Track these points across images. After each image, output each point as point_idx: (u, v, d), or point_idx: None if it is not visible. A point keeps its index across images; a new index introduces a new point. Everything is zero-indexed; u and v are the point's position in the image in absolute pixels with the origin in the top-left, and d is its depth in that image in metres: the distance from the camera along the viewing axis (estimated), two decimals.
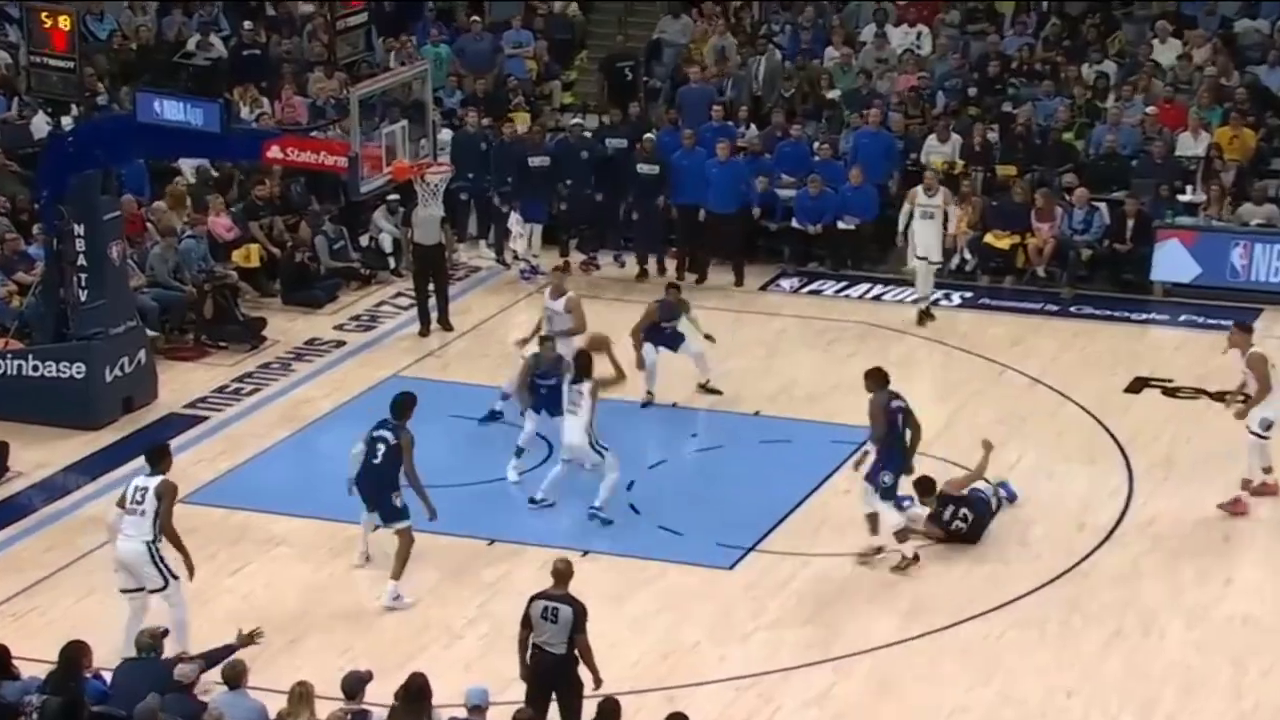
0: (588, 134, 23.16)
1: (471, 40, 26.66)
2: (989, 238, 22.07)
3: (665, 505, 15.90)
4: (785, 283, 22.25)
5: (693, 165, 22.09)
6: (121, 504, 13.21)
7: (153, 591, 13.10)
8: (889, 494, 14.75)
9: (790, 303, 21.62)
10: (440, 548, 15.12)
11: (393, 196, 21.31)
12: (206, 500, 15.97)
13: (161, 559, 13.05)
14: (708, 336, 18.37)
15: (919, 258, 20.50)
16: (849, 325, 20.70)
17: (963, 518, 15.31)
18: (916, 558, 14.84)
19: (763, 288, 22.11)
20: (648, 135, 22.60)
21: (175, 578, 13.09)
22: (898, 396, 14.81)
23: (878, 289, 21.90)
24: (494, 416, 17.55)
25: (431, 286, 20.37)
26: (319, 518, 15.59)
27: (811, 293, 21.95)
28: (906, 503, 15.58)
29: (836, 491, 16.19)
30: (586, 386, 15.47)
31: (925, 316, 20.56)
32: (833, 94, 24.81)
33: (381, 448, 14.51)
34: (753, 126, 24.17)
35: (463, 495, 16.15)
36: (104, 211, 17.57)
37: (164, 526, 13.02)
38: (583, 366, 15.64)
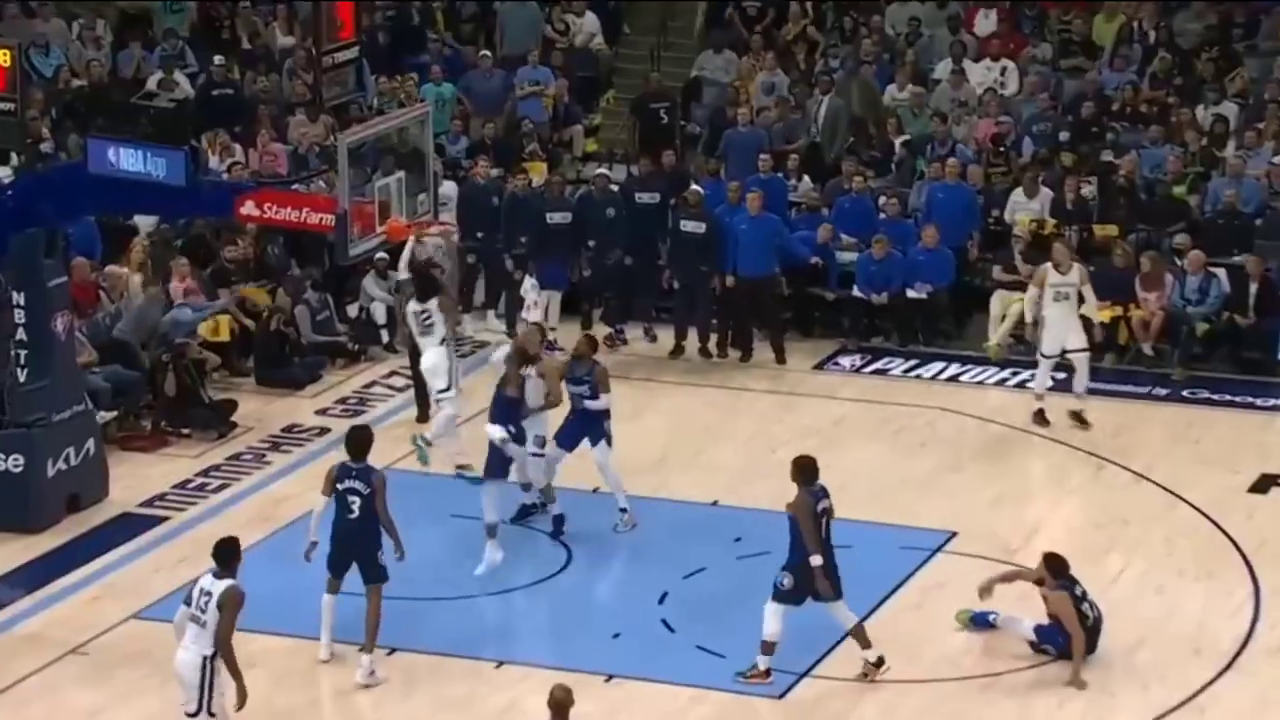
0: (614, 187, 23.33)
1: (480, 78, 26.89)
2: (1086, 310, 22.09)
3: (703, 621, 15.90)
4: (844, 361, 22.32)
5: (740, 223, 22.22)
6: (188, 602, 13.23)
7: (188, 716, 13.08)
8: (784, 597, 14.75)
9: (850, 384, 21.68)
10: (439, 670, 15.14)
11: (381, 257, 21.42)
12: (165, 615, 15.89)
13: (210, 685, 13.00)
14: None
15: (1044, 355, 19.95)
16: (920, 411, 20.73)
17: (1092, 605, 15.36)
18: (768, 672, 14.81)
19: (818, 367, 22.17)
20: (694, 188, 22.76)
21: (212, 715, 13.04)
22: (826, 494, 14.87)
23: (954, 369, 21.93)
24: (526, 512, 17.62)
25: None
26: (297, 636, 15.61)
27: (875, 373, 22.00)
28: (993, 616, 15.58)
29: (906, 606, 16.19)
30: (434, 303, 17.69)
31: (1077, 418, 19.97)
32: (901, 140, 24.95)
33: (356, 500, 14.81)
34: (806, 179, 24.33)
35: (465, 609, 16.19)
36: (48, 277, 17.72)
37: (220, 643, 12.97)
38: (426, 285, 17.75)
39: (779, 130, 25.16)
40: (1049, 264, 20.12)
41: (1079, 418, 20.08)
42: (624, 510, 17.57)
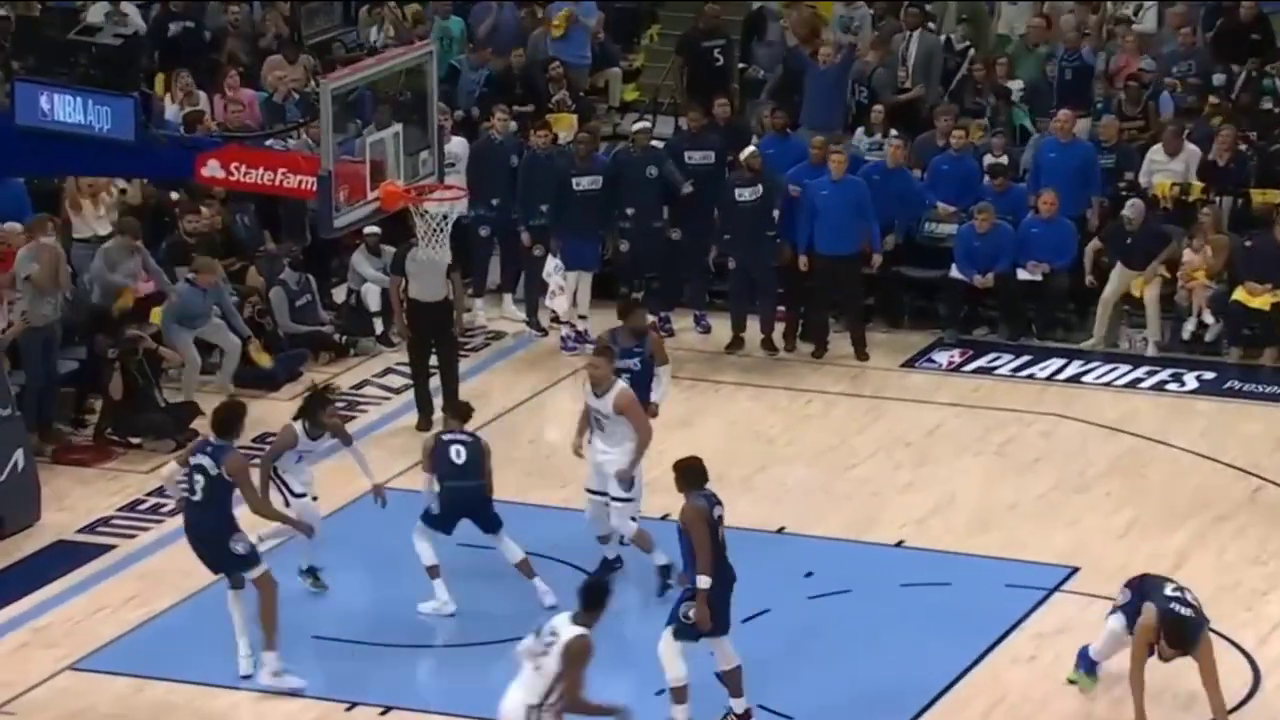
0: (658, 144, 23.38)
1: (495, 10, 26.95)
2: (1240, 294, 22.07)
3: (767, 675, 15.93)
4: (940, 357, 22.37)
5: (820, 187, 22.19)
6: (538, 633, 13.25)
7: None
8: (683, 633, 14.80)
9: (948, 386, 21.71)
10: None
11: (372, 230, 21.48)
12: (109, 666, 16.08)
13: None
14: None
15: None
16: (1032, 419, 20.75)
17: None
18: (748, 713, 14.85)
19: (907, 364, 22.21)
20: (751, 149, 22.76)
21: None
22: (718, 501, 14.92)
23: (1074, 367, 21.96)
24: (609, 568, 17.64)
25: (435, 361, 20.60)
26: (271, 691, 15.69)
27: (978, 371, 22.03)
28: (1092, 650, 15.52)
29: (1016, 658, 16.20)
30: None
31: None
32: (1013, 85, 24.91)
33: (200, 480, 15.08)
34: (893, 133, 24.32)
35: (467, 658, 16.27)
36: None
37: (568, 697, 12.99)
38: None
39: (881, 77, 25.05)
40: None
41: None
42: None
